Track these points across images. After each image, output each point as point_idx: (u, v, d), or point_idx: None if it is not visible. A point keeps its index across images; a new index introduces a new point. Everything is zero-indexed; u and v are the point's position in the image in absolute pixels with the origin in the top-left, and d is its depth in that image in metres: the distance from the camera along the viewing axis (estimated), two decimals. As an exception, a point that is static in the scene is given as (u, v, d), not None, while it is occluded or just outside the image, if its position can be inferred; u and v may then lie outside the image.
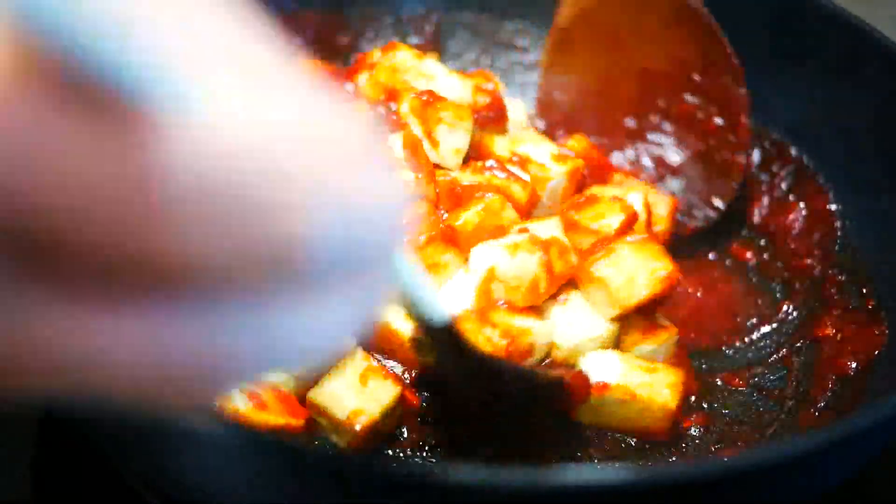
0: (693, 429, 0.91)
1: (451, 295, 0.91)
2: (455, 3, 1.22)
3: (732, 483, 0.60)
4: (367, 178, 0.32)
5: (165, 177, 0.27)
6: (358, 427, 0.82)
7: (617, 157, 1.11)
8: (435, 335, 0.73)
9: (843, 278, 0.99)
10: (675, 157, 1.10)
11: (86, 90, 0.26)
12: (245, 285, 0.29)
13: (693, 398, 0.93)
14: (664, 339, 0.91)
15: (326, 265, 0.31)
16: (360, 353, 0.87)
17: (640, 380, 0.87)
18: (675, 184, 1.10)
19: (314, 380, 0.85)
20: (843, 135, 1.02)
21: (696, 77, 1.07)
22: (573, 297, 0.92)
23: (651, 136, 1.11)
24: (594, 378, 0.87)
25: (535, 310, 0.90)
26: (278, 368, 0.34)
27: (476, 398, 0.86)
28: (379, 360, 0.88)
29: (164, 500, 0.81)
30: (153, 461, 0.70)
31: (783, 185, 1.08)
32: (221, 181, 0.27)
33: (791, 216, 1.06)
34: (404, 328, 0.87)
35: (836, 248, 1.01)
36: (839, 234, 1.02)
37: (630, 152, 1.11)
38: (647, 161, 1.11)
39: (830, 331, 0.95)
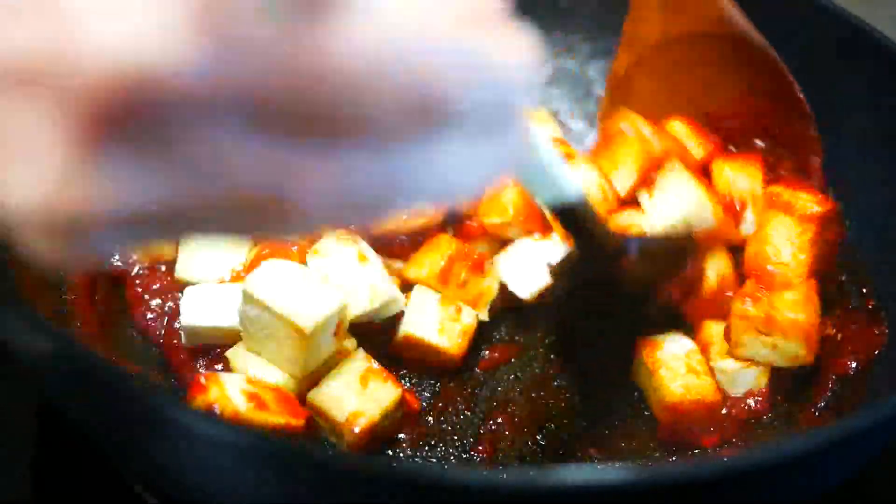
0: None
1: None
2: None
3: (732, 483, 0.60)
4: (500, 44, 0.40)
5: (351, 49, 0.34)
6: (357, 429, 0.82)
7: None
8: (565, 214, 0.74)
9: (844, 278, 0.99)
10: None
11: None
12: (406, 133, 0.37)
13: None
14: None
15: (469, 115, 0.39)
16: (362, 354, 0.87)
17: None
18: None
19: (315, 380, 0.85)
20: (842, 135, 1.01)
21: (764, 120, 1.03)
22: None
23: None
24: None
25: None
26: (434, 198, 0.42)
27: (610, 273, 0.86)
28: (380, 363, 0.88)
29: (163, 500, 0.81)
30: (152, 461, 0.70)
31: (783, 185, 1.08)
32: (387, 52, 0.35)
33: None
34: (433, 338, 0.90)
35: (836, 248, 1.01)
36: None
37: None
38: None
39: (831, 331, 0.95)
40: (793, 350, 0.87)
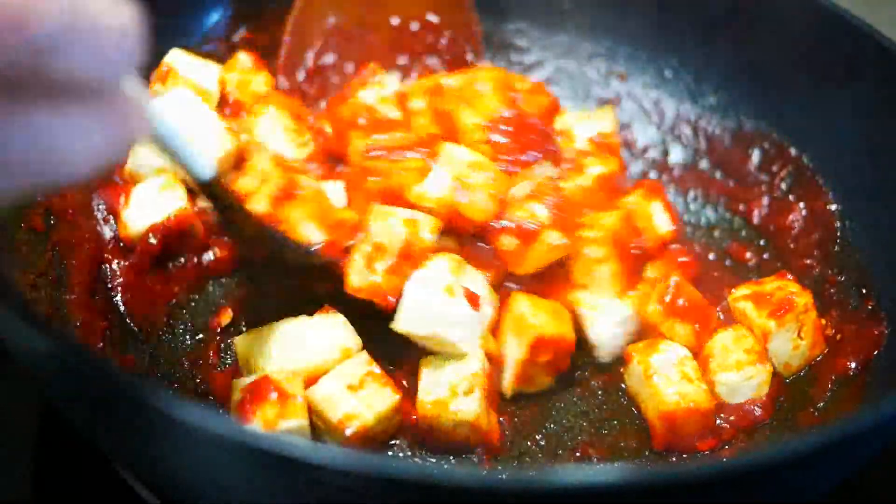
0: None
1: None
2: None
3: (730, 483, 0.60)
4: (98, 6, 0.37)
5: None
6: (348, 432, 0.82)
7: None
8: (203, 188, 0.77)
9: (843, 278, 0.99)
10: None
11: None
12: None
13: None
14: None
15: (65, 75, 0.36)
16: (364, 357, 0.87)
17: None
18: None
19: (315, 377, 0.85)
20: (842, 135, 1.01)
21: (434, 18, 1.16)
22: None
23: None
24: None
25: None
26: (44, 179, 0.39)
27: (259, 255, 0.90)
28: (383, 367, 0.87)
29: (163, 499, 0.81)
30: (150, 459, 0.69)
31: (783, 186, 1.08)
32: None
33: (791, 216, 1.06)
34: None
35: (836, 248, 1.01)
36: (839, 234, 1.02)
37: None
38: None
39: (830, 331, 0.95)
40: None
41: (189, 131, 0.79)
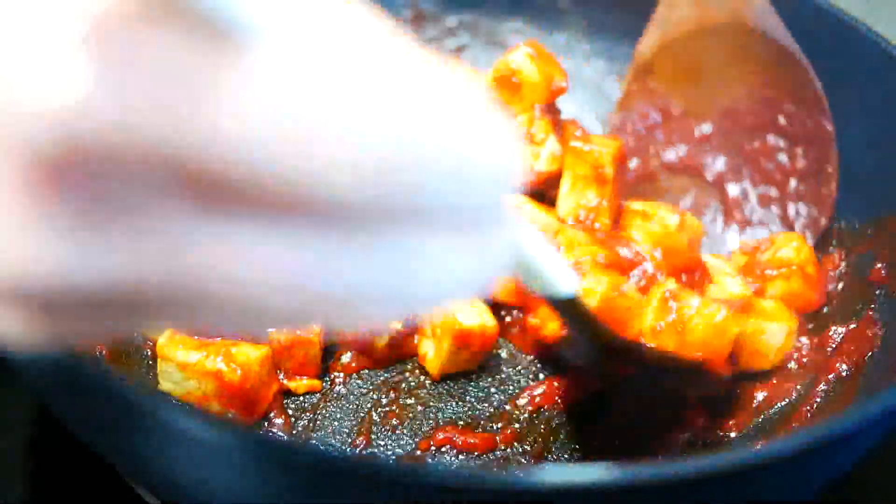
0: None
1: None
2: (455, 3, 1.22)
3: (720, 482, 0.60)
4: (478, 129, 0.33)
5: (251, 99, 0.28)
6: None
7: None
8: (560, 307, 0.72)
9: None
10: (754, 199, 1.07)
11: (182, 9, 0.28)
12: (369, 220, 0.32)
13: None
14: None
15: (446, 212, 0.33)
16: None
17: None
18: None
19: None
20: (840, 136, 1.01)
21: (782, 118, 1.03)
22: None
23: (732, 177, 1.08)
24: None
25: None
26: (400, 308, 0.36)
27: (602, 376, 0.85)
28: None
29: (162, 500, 0.81)
30: (145, 461, 0.70)
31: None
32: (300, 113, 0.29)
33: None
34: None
35: (832, 248, 1.01)
36: (838, 234, 1.01)
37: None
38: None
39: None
40: None
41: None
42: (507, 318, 0.97)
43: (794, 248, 0.96)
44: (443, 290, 0.36)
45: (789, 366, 0.92)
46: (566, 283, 0.64)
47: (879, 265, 0.94)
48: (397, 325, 0.93)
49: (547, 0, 1.19)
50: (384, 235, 0.33)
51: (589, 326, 0.78)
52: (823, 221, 1.01)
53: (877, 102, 0.97)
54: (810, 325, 0.96)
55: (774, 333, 0.90)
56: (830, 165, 1.00)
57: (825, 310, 0.97)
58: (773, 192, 1.04)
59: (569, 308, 0.72)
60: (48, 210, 0.29)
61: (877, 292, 0.93)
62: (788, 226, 1.03)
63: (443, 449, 0.87)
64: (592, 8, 1.20)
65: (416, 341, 0.94)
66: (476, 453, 0.87)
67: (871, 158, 0.98)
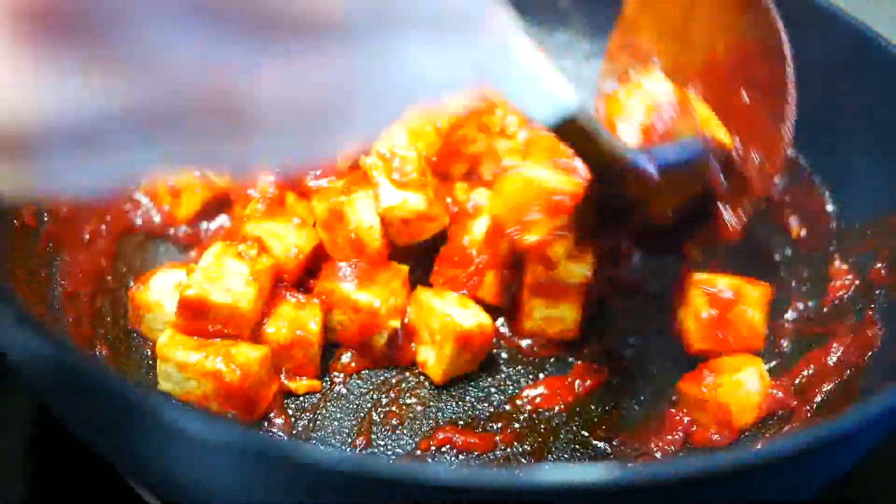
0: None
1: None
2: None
3: (721, 482, 0.60)
4: None
5: None
6: None
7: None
8: (565, 127, 0.67)
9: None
10: None
11: None
12: (361, 30, 0.34)
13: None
14: None
15: (430, 13, 0.36)
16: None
17: None
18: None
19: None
20: (840, 136, 1.01)
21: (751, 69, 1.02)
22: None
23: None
24: None
25: None
26: (409, 104, 0.39)
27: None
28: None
29: (162, 500, 0.81)
30: (144, 460, 0.70)
31: (779, 187, 1.08)
32: None
33: (788, 218, 1.06)
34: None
35: (833, 248, 1.01)
36: (836, 234, 1.01)
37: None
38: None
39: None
40: None
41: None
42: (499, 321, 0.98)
43: None
44: (430, 86, 0.39)
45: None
46: (566, 97, 0.61)
47: (879, 265, 0.94)
48: (396, 325, 0.93)
49: (547, 0, 1.18)
50: (376, 43, 0.35)
51: (600, 145, 0.72)
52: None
53: (877, 102, 0.97)
54: (810, 325, 0.96)
55: (750, 377, 0.91)
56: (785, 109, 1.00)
57: (825, 310, 0.97)
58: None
59: (573, 129, 0.67)
60: (42, 50, 0.30)
61: (877, 292, 0.93)
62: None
63: (443, 449, 0.87)
64: (593, 8, 1.20)
65: (413, 349, 0.94)
66: (476, 453, 0.87)
67: (871, 158, 0.98)
